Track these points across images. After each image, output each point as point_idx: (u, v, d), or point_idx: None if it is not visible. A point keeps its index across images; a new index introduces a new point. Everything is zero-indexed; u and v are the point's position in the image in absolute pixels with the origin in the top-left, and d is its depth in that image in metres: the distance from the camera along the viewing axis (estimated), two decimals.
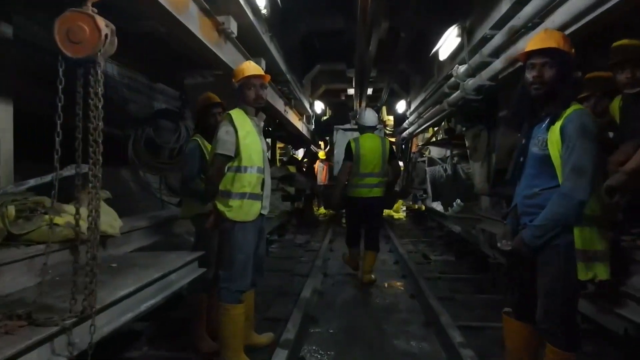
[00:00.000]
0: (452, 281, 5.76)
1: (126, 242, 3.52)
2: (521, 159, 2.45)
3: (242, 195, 3.04)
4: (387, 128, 14.45)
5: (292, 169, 11.03)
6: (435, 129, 11.86)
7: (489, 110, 5.28)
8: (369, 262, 5.59)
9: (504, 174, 2.77)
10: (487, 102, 5.28)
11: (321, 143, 15.63)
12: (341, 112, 12.79)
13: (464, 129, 6.22)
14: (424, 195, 12.97)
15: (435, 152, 8.99)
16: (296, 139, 11.22)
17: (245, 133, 3.04)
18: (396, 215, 14.02)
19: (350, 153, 5.44)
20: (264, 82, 3.14)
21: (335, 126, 12.18)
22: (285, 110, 7.05)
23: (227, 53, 4.34)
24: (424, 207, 14.20)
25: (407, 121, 8.65)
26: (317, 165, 15.83)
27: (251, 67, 3.17)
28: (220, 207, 3.07)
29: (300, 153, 16.79)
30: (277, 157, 16.38)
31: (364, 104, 9.56)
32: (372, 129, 5.58)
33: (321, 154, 16.27)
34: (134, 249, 3.61)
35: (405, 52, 7.29)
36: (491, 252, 5.63)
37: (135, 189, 6.30)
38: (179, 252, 3.31)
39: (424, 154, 9.78)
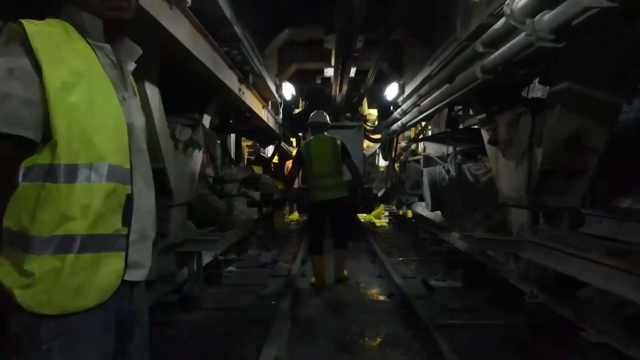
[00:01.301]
0: (472, 329, 4.03)
1: None
2: None
3: (63, 245, 1.25)
4: (368, 124, 12.74)
5: (258, 169, 9.19)
6: (423, 124, 10.21)
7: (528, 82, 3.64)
8: (340, 261, 5.71)
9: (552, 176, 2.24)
10: (530, 73, 3.61)
11: (293, 140, 13.82)
12: (317, 101, 10.98)
13: (482, 116, 4.50)
14: (411, 199, 11.32)
15: (431, 149, 7.32)
16: (262, 134, 9.41)
17: (70, 77, 1.26)
18: (378, 222, 12.32)
19: (299, 157, 5.54)
20: None
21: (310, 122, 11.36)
22: (240, 90, 5.20)
23: None
24: (410, 213, 12.57)
25: (398, 110, 7.01)
26: (289, 166, 14.01)
27: None
28: (3, 279, 1.24)
29: (269, 151, 14.97)
30: (245, 157, 14.51)
31: (344, 89, 7.80)
32: (322, 128, 5.63)
33: (294, 152, 14.41)
34: None
35: (404, 13, 5.56)
36: (530, 287, 3.95)
37: None
38: None
39: (417, 152, 8.06)
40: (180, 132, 4.62)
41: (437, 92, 5.10)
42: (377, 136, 13.05)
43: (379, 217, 13.06)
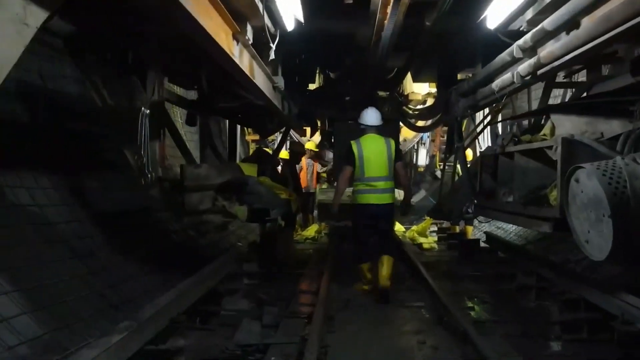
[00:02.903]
0: None
1: None
2: None
3: None
4: (409, 106, 9.30)
5: (250, 169, 5.82)
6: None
7: None
8: (387, 267, 4.98)
9: None
10: None
11: (307, 130, 10.48)
12: (344, 66, 7.48)
13: None
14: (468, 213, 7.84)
15: (572, 126, 3.81)
16: (256, 115, 6.12)
17: None
18: (425, 243, 8.85)
19: (351, 156, 5.10)
20: None
21: (335, 123, 8.95)
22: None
23: None
24: (470, 231, 9.07)
25: (518, 44, 3.38)
26: (304, 163, 10.64)
27: None
28: None
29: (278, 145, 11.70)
30: (238, 151, 11.16)
31: (389, 28, 4.22)
32: (375, 128, 5.22)
33: (310, 144, 11.02)
34: None
35: None
36: None
37: None
38: None
39: (518, 137, 4.51)
40: None
41: None
42: (422, 123, 9.61)
43: (425, 235, 9.59)
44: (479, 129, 6.99)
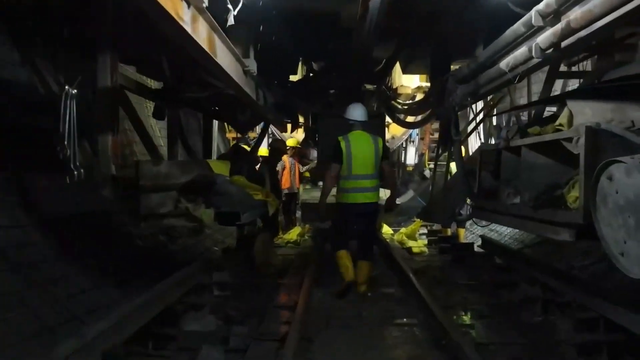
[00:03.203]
0: None
1: None
2: None
3: None
4: (399, 100, 8.70)
5: (220, 167, 5.17)
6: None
7: None
8: (363, 272, 5.00)
9: None
10: None
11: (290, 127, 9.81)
12: (329, 55, 6.89)
13: None
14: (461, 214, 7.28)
15: (597, 114, 3.24)
16: (228, 105, 5.46)
17: None
18: (415, 247, 8.25)
19: (339, 153, 4.89)
20: None
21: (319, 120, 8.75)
22: None
23: None
24: (462, 233, 8.51)
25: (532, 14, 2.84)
26: (287, 162, 9.98)
27: None
28: None
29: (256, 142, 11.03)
30: (215, 147, 10.47)
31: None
32: (361, 125, 5.04)
33: (292, 141, 10.34)
34: None
35: None
36: None
37: None
38: None
39: (525, 129, 3.94)
40: None
41: None
42: (412, 119, 9.03)
43: (414, 238, 9.00)
44: (475, 123, 6.39)
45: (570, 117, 3.18)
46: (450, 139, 5.07)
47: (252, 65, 4.18)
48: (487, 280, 5.65)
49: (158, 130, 8.58)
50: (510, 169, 4.05)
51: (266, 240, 6.61)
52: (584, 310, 3.66)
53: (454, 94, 4.31)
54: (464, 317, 4.46)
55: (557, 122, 3.28)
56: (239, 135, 12.81)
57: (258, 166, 7.42)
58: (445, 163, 6.80)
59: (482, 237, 6.70)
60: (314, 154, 11.32)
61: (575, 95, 3.29)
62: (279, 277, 5.81)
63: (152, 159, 5.66)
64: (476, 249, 7.08)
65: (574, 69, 5.79)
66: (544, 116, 4.45)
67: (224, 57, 3.43)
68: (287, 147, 10.25)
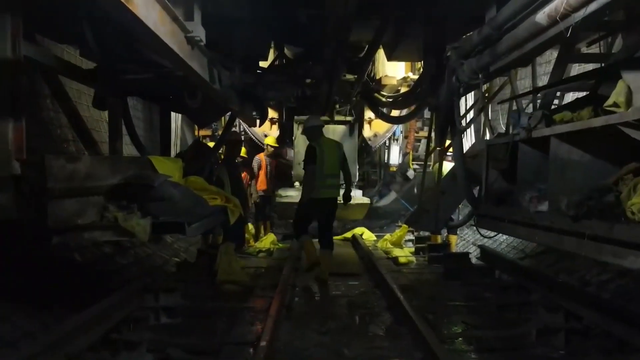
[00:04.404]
0: None
1: None
2: None
3: None
4: (382, 94, 7.78)
5: (166, 166, 4.14)
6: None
7: None
8: (326, 263, 5.70)
9: None
10: None
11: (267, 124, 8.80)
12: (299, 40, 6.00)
13: None
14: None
15: None
16: (167, 87, 4.49)
17: None
18: (402, 257, 7.34)
19: (314, 156, 5.57)
20: None
21: (296, 117, 9.12)
22: None
23: None
24: (454, 241, 7.64)
25: None
26: (263, 160, 8.98)
27: None
28: None
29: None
30: (178, 144, 9.44)
31: None
32: (320, 127, 5.80)
33: (270, 139, 9.35)
34: None
35: None
36: None
37: None
38: None
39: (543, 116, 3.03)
40: None
41: None
42: (396, 113, 8.14)
43: (400, 245, 8.11)
44: (475, 113, 5.48)
45: (629, 94, 2.29)
46: (451, 130, 4.14)
47: (198, 31, 3.19)
48: (490, 299, 4.78)
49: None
50: (532, 166, 3.15)
51: (230, 253, 5.61)
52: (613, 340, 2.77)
53: (459, 71, 3.38)
54: (471, 354, 3.56)
55: (609, 102, 2.39)
56: (209, 133, 11.81)
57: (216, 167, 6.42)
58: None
59: (482, 247, 5.80)
60: (290, 153, 10.34)
61: (632, 65, 2.41)
62: (242, 299, 4.83)
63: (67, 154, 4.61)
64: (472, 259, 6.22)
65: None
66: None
67: (148, 10, 2.44)
68: (266, 145, 9.26)
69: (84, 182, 3.31)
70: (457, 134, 3.97)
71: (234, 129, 10.30)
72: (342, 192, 6.03)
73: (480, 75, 3.10)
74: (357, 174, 10.32)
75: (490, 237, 5.68)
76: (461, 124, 4.02)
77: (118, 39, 3.56)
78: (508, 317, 4.33)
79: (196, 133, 11.88)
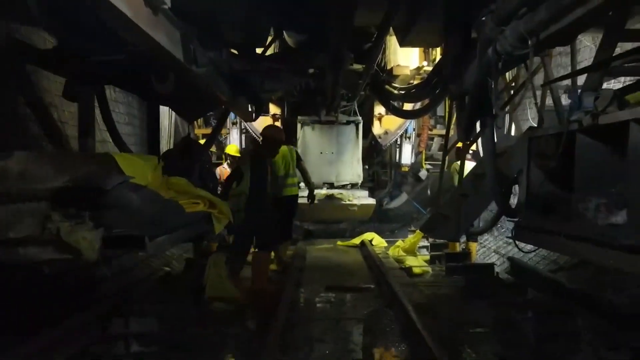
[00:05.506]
0: None
1: None
2: None
3: None
4: (394, 85, 7.00)
5: (135, 164, 3.41)
6: None
7: None
8: (284, 251, 6.65)
9: None
10: None
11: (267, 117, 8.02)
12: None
13: None
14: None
15: None
16: (141, 72, 3.77)
17: None
18: (416, 267, 6.57)
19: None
20: None
21: (299, 117, 9.02)
22: None
23: None
24: (474, 250, 6.85)
25: None
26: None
27: None
28: None
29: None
30: (171, 135, 8.69)
31: None
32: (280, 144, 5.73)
33: (231, 148, 8.22)
34: None
35: None
36: None
37: None
38: None
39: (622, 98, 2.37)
40: None
41: None
42: (410, 106, 7.36)
43: (414, 253, 7.33)
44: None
45: None
46: (482, 120, 3.35)
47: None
48: (526, 325, 4.01)
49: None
50: (596, 164, 2.38)
51: (220, 265, 4.86)
52: None
53: (500, 40, 2.58)
54: None
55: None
56: (208, 132, 11.01)
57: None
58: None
59: (512, 260, 5.02)
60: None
61: None
62: (232, 321, 4.09)
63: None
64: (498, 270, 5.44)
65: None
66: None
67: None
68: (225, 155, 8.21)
69: (17, 183, 2.60)
70: (489, 126, 3.19)
71: (234, 125, 9.60)
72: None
73: (530, 43, 2.33)
74: (361, 174, 9.67)
75: (531, 251, 4.84)
76: (499, 110, 3.25)
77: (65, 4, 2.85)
78: (548, 346, 3.56)
79: (196, 131, 11.13)
